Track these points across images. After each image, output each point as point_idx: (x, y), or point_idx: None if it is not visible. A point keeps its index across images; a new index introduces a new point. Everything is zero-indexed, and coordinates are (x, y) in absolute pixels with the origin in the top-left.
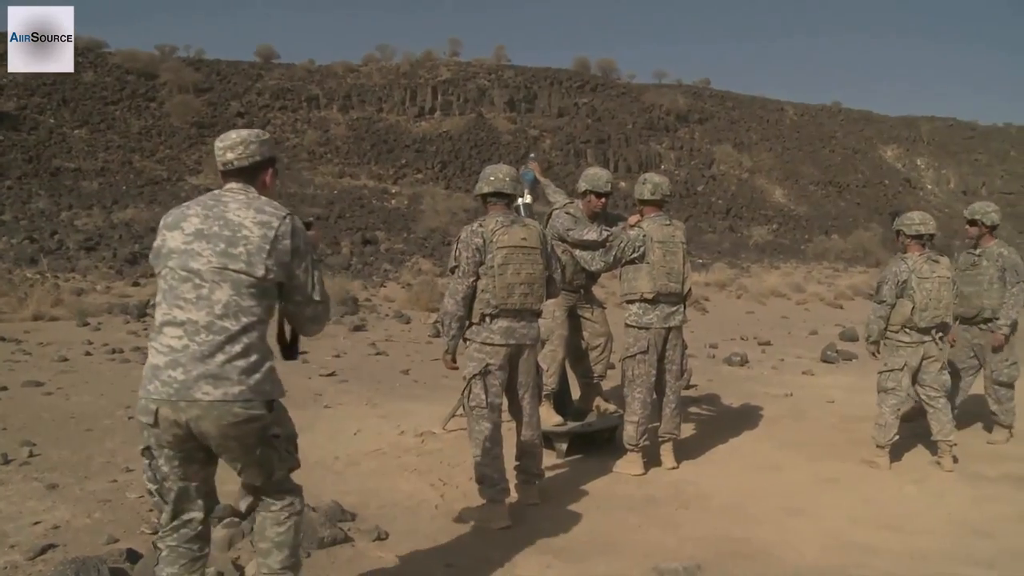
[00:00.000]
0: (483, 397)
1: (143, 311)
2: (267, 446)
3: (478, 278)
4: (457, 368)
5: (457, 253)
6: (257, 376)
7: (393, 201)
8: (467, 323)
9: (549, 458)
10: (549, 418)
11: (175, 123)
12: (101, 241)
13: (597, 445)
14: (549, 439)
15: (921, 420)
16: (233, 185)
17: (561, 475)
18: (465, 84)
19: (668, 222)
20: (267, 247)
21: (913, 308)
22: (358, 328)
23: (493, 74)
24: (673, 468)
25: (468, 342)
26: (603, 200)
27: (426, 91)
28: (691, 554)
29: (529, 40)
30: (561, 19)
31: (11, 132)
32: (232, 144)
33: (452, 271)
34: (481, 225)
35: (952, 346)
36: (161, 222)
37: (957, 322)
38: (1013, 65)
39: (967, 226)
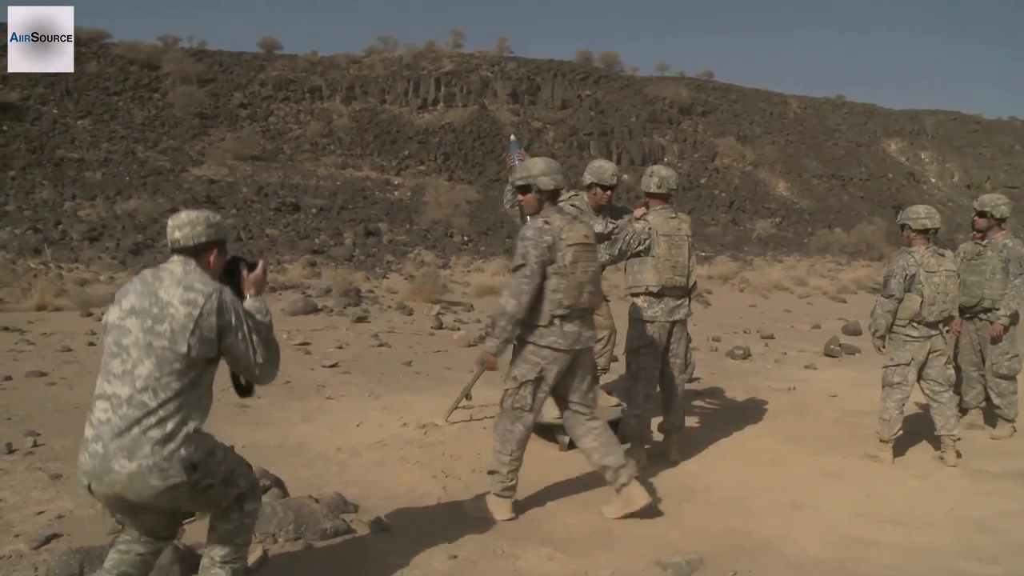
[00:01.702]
0: (530, 402)
1: None
2: (202, 495)
3: (546, 278)
4: (496, 368)
5: (524, 251)
6: (172, 445)
7: (396, 193)
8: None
9: (551, 451)
10: (551, 411)
11: (178, 114)
12: (104, 231)
13: None
14: (551, 432)
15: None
16: (175, 259)
17: (563, 468)
18: (468, 76)
19: (674, 215)
20: (191, 325)
21: (922, 302)
22: (361, 319)
23: (496, 66)
24: (676, 462)
25: (524, 343)
26: (609, 193)
27: (429, 82)
28: (693, 547)
29: (532, 32)
30: (564, 11)
31: (14, 122)
32: (180, 224)
33: (516, 270)
34: (547, 222)
35: (958, 334)
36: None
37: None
38: (1018, 59)
39: (976, 217)
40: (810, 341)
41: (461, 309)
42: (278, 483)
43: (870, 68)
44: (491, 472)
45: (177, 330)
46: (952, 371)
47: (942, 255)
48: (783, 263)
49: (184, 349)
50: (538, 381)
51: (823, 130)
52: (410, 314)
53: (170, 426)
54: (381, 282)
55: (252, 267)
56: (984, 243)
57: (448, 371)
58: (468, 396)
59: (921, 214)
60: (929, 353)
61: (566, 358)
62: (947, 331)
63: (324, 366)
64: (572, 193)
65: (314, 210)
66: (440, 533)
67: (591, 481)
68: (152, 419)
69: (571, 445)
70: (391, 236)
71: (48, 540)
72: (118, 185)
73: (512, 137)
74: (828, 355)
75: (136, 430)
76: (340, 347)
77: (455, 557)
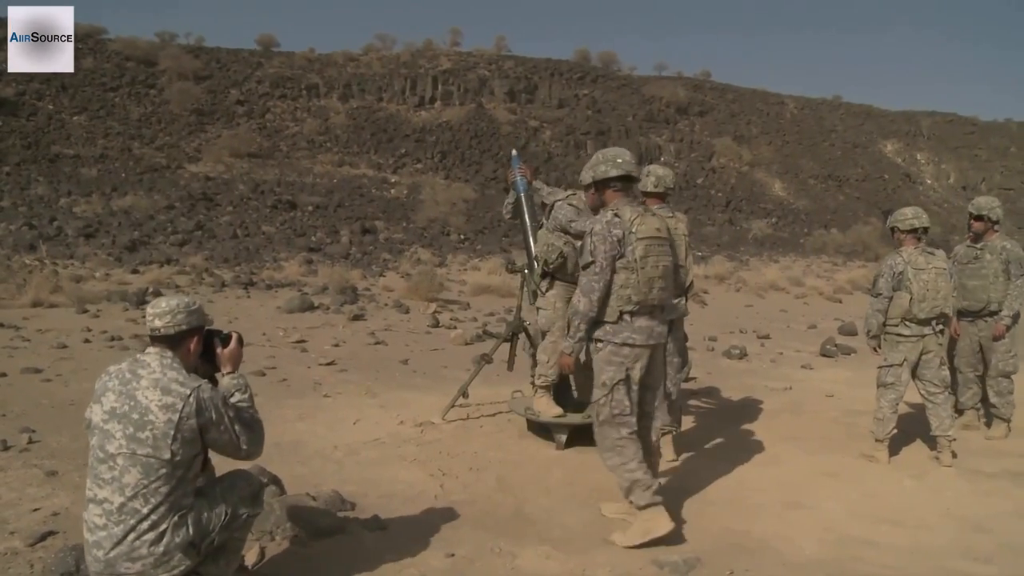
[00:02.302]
0: (627, 404)
1: (142, 298)
2: (209, 548)
3: (615, 273)
4: (573, 370)
5: (592, 247)
6: (165, 539)
7: (392, 191)
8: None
9: (549, 450)
10: (548, 410)
11: (175, 110)
12: (100, 228)
13: None
14: (548, 430)
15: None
16: (152, 350)
17: (561, 467)
18: (465, 74)
19: (671, 214)
20: (171, 432)
21: (911, 299)
22: (357, 317)
23: (493, 64)
24: (673, 461)
25: (601, 343)
26: None
27: (426, 81)
28: (691, 546)
29: (530, 30)
30: (562, 10)
31: (10, 118)
32: (160, 313)
33: (585, 267)
34: (617, 215)
35: (956, 336)
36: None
37: (956, 317)
38: (1014, 61)
39: (973, 221)
40: (806, 341)
41: (457, 307)
42: (275, 481)
43: (867, 69)
44: (627, 489)
45: (159, 437)
46: (947, 372)
47: (932, 254)
48: (779, 263)
49: (168, 456)
50: (627, 380)
51: (820, 131)
52: (406, 312)
53: (163, 526)
54: (377, 280)
55: (226, 341)
56: (979, 246)
57: (445, 369)
58: (465, 394)
59: (908, 215)
60: (922, 353)
61: (645, 353)
62: (940, 330)
63: (320, 364)
64: (570, 192)
65: (310, 208)
66: (437, 531)
67: (589, 480)
68: (145, 524)
69: (568, 444)
70: (388, 234)
71: (44, 537)
72: (114, 182)
73: (514, 152)
74: (824, 355)
75: (132, 536)
76: (336, 345)
77: (452, 555)
